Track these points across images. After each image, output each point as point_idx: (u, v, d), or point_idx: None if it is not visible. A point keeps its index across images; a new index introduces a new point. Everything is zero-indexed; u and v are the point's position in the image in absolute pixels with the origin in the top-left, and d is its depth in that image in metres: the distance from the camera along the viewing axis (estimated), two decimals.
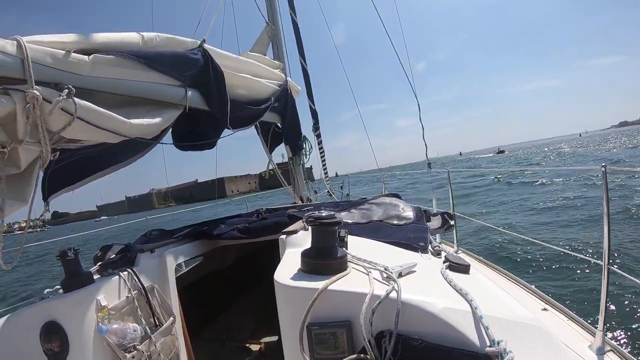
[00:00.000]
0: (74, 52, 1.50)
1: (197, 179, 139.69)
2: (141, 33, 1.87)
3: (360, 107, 6.27)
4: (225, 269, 3.50)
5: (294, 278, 1.32)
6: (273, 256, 1.83)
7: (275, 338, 3.03)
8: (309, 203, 4.07)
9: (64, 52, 1.46)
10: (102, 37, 1.67)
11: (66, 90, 1.35)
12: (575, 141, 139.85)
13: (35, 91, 1.27)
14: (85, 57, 1.54)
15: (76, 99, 1.38)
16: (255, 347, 2.79)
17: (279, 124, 3.85)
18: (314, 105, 5.00)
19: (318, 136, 5.06)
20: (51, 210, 2.01)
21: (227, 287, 3.46)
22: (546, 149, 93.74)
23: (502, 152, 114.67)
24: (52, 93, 1.33)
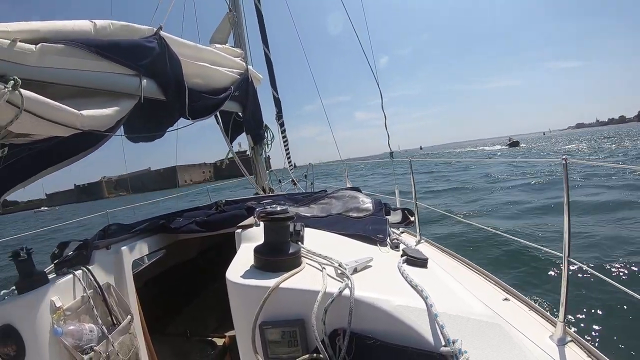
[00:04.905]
0: (20, 41, 1.44)
1: (150, 167, 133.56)
2: (93, 21, 1.81)
3: (321, 99, 6.29)
4: (189, 262, 3.42)
5: (246, 275, 1.29)
6: (234, 249, 1.80)
7: None
8: (270, 194, 3.99)
9: (8, 41, 1.40)
10: (51, 25, 1.61)
11: (12, 82, 1.29)
12: (541, 139, 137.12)
13: None
14: (32, 46, 1.49)
15: (23, 91, 1.33)
16: (219, 341, 2.74)
17: (239, 113, 3.82)
18: (277, 94, 4.94)
19: (282, 125, 5.02)
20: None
21: (191, 281, 3.39)
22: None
23: (517, 143, 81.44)
24: None
